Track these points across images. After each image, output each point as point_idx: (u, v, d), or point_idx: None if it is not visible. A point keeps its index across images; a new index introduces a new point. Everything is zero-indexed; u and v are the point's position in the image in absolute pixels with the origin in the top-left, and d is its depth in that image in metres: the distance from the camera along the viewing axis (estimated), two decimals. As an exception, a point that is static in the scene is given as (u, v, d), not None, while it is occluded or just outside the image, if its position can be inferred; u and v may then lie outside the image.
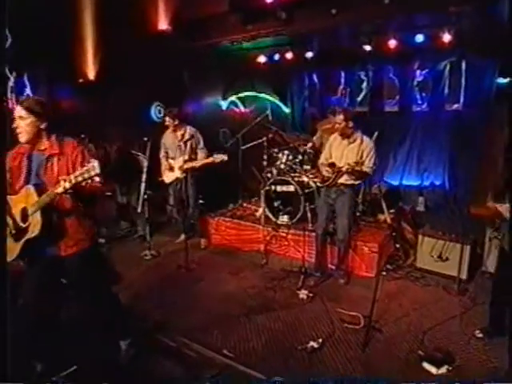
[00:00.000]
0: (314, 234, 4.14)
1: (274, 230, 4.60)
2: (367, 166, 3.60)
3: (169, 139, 4.81)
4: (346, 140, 3.74)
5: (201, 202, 4.92)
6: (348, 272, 3.97)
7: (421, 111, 6.60)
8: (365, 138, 3.73)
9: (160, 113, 6.87)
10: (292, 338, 2.96)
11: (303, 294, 3.58)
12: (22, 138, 2.30)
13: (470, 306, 3.33)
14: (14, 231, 2.35)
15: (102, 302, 2.62)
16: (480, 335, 2.93)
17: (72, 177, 2.09)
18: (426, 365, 2.54)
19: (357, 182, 3.76)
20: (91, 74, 5.75)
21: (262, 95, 7.81)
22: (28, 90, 5.14)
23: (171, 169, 4.77)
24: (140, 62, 5.48)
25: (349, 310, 3.29)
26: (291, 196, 4.62)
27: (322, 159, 3.95)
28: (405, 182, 6.83)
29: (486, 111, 5.44)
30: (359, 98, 7.19)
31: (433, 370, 2.50)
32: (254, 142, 5.07)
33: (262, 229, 4.66)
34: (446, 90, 6.25)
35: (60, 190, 2.13)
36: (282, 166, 4.87)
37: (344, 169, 3.56)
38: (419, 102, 6.65)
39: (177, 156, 4.75)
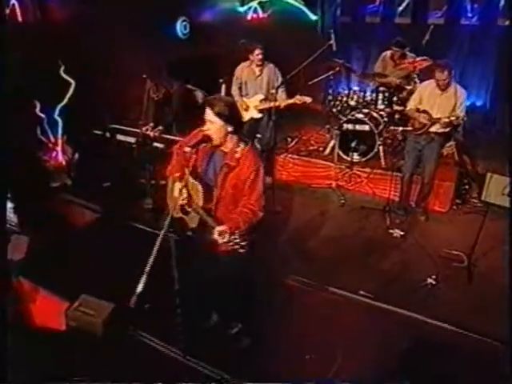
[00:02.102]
0: (389, 172, 4.93)
1: (348, 167, 5.30)
2: (460, 116, 4.20)
3: (245, 73, 4.97)
4: (440, 89, 4.27)
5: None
6: (427, 209, 4.86)
7: (469, 25, 6.90)
8: (458, 87, 4.23)
9: (186, 29, 6.84)
10: (405, 277, 3.85)
11: (396, 232, 4.44)
12: (211, 140, 2.50)
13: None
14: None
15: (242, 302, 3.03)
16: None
17: (228, 237, 2.36)
18: (526, 295, 3.57)
19: (446, 130, 4.40)
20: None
21: (285, -1, 7.72)
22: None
23: (246, 108, 5.05)
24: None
25: (439, 246, 4.25)
26: (364, 134, 5.25)
27: (412, 106, 4.45)
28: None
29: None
30: (401, 8, 7.32)
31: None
32: (321, 77, 5.41)
33: (334, 166, 5.34)
34: (502, 2, 6.51)
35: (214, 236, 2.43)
36: (352, 103, 5.37)
37: (442, 121, 4.16)
38: (469, 14, 6.88)
39: (251, 93, 5.00)
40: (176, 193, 2.60)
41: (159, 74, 5.14)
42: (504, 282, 3.63)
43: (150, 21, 6.04)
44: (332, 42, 5.51)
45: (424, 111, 4.31)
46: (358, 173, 5.26)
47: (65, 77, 5.40)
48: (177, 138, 5.16)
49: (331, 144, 5.48)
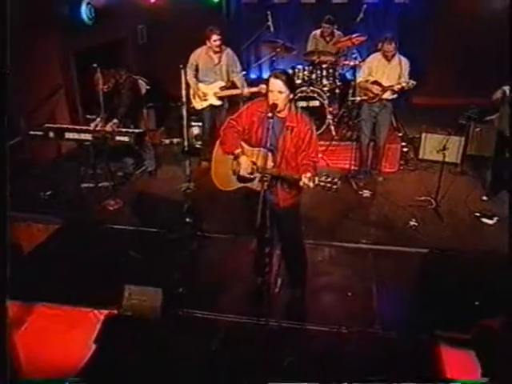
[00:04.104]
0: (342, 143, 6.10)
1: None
2: (409, 82, 5.33)
3: (201, 59, 5.35)
4: (386, 60, 5.47)
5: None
6: (381, 170, 6.10)
7: (371, 3, 8.54)
8: (401, 57, 5.39)
9: (91, 13, 7.11)
10: (391, 224, 4.90)
11: (366, 193, 5.47)
12: (277, 108, 3.04)
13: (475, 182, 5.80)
14: (236, 173, 3.30)
15: (295, 252, 3.77)
16: (485, 198, 5.51)
17: (317, 179, 2.91)
18: (484, 220, 4.87)
19: (395, 96, 5.62)
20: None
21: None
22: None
23: (204, 96, 5.60)
24: None
25: (405, 197, 5.42)
26: (314, 109, 6.31)
27: (362, 78, 5.54)
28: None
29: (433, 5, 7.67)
30: (305, -13, 8.65)
31: (489, 222, 4.91)
32: (264, 59, 6.30)
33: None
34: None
35: (301, 182, 2.98)
36: (299, 82, 6.38)
37: (395, 87, 5.36)
38: (369, -8, 8.48)
39: (210, 80, 5.46)
40: (243, 165, 3.19)
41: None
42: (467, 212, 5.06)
43: (55, 6, 6.27)
44: (269, 23, 6.49)
45: (375, 82, 5.53)
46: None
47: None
48: (136, 130, 5.53)
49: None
